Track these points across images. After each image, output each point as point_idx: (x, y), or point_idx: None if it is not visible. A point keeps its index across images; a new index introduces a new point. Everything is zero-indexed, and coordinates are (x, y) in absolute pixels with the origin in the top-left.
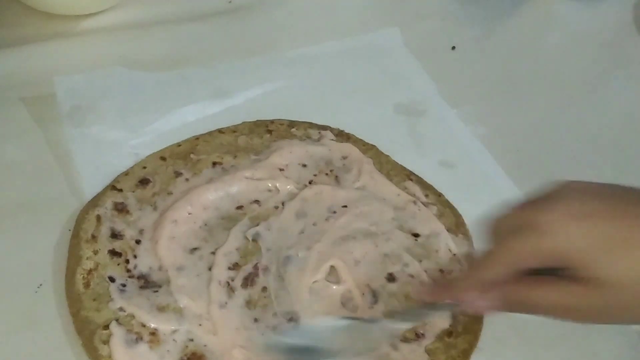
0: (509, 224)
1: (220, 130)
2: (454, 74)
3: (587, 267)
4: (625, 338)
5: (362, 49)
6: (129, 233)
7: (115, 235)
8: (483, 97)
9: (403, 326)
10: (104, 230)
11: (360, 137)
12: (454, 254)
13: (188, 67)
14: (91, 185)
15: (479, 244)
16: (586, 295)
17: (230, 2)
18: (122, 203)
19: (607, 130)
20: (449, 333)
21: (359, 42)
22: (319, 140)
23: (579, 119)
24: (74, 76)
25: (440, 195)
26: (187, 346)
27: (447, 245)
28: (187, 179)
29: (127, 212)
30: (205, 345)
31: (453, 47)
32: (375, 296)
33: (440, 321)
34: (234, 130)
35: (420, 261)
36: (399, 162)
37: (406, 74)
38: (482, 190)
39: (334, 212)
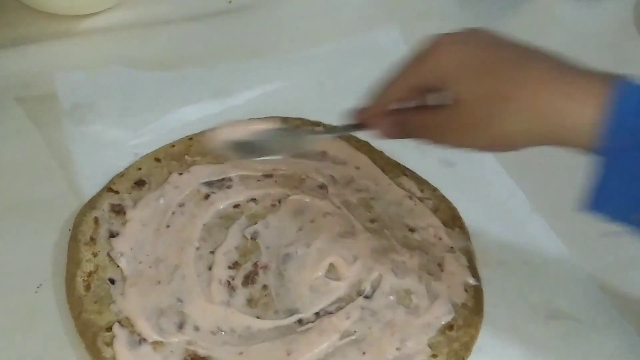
0: (412, 56)
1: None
2: None
3: (451, 84)
4: (625, 338)
5: (362, 49)
6: None
7: (113, 237)
8: None
9: (326, 137)
10: (102, 233)
11: (361, 137)
12: (451, 247)
13: (188, 67)
14: (91, 185)
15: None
16: (447, 113)
17: (230, 2)
18: (119, 205)
19: None
20: (450, 327)
21: (358, 42)
22: None
23: None
24: (75, 73)
25: (435, 190)
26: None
27: (443, 239)
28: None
29: (125, 213)
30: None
31: None
32: (374, 291)
33: (443, 315)
34: None
35: (418, 255)
36: (400, 161)
37: None
38: (482, 188)
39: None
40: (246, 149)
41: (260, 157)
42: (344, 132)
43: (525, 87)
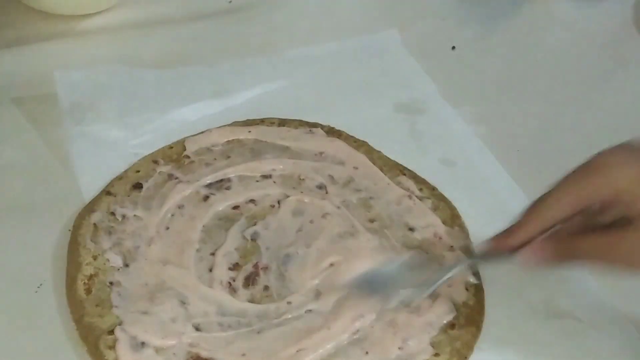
0: (574, 171)
1: (210, 131)
2: (454, 74)
3: (634, 204)
4: (625, 337)
5: (361, 49)
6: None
7: (112, 240)
8: (483, 97)
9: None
10: (101, 236)
11: (360, 137)
12: (451, 246)
13: (188, 67)
14: (91, 185)
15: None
16: (632, 236)
17: (230, 2)
18: (117, 208)
19: (607, 130)
20: (451, 325)
21: (358, 42)
22: None
23: (579, 119)
24: (75, 72)
25: (434, 189)
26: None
27: (443, 238)
28: (180, 182)
29: (123, 216)
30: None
31: (453, 47)
32: None
33: (444, 314)
34: None
35: (418, 255)
36: (400, 161)
37: (406, 74)
38: (483, 188)
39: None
40: (372, 283)
41: (388, 292)
42: (486, 261)
43: None
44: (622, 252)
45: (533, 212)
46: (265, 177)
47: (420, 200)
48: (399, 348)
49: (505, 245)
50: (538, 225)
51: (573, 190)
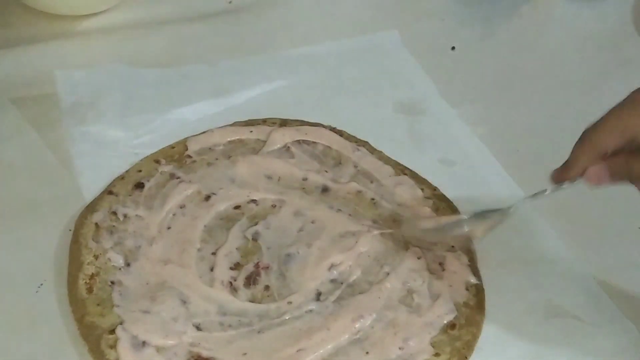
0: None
1: (212, 131)
2: (454, 74)
3: None
4: (625, 337)
5: (362, 49)
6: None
7: (114, 239)
8: (483, 97)
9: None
10: (103, 235)
11: (361, 136)
12: (452, 246)
13: (188, 67)
14: (92, 185)
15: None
16: None
17: (230, 2)
18: (119, 207)
19: None
20: (452, 325)
21: (358, 42)
22: None
23: (579, 119)
24: (75, 72)
25: (435, 189)
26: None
27: None
28: (182, 181)
29: (125, 216)
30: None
31: (453, 47)
32: None
33: (445, 314)
34: None
35: (419, 258)
36: (400, 160)
37: (406, 74)
38: (482, 187)
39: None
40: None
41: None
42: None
43: None
44: None
45: (583, 146)
46: (267, 177)
47: (421, 200)
48: (400, 348)
49: (565, 178)
50: (590, 157)
51: (619, 124)
